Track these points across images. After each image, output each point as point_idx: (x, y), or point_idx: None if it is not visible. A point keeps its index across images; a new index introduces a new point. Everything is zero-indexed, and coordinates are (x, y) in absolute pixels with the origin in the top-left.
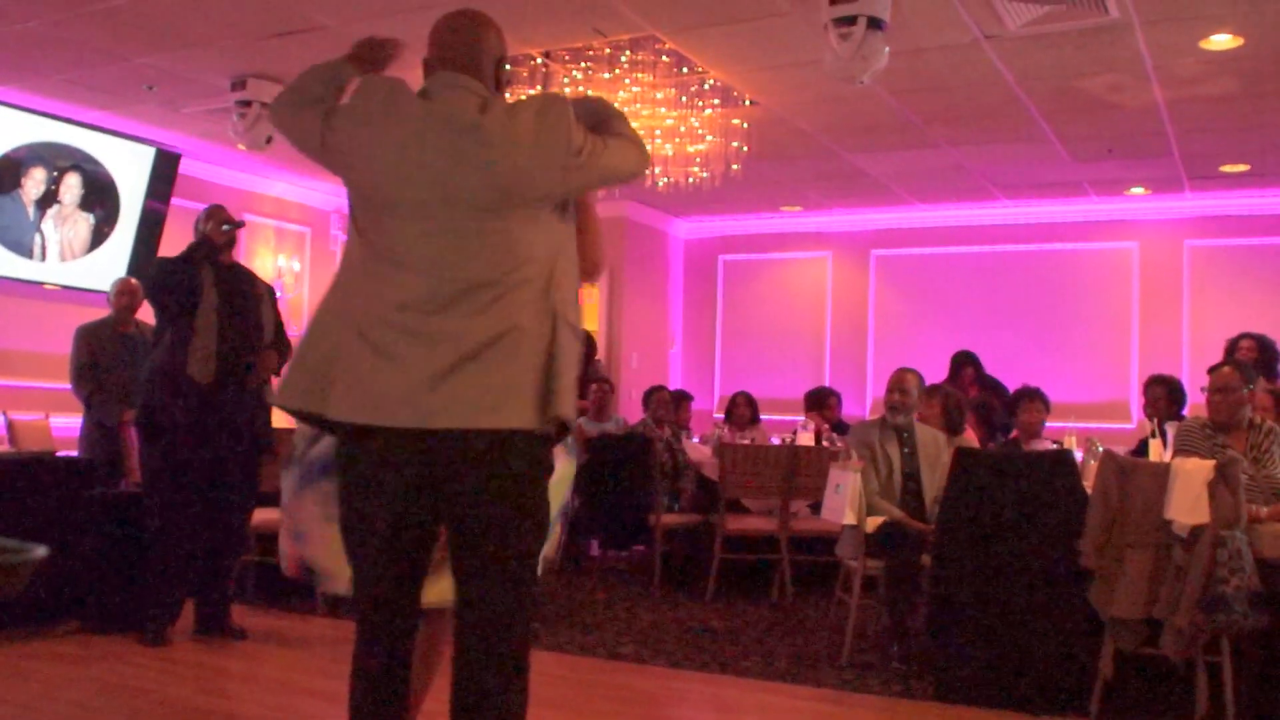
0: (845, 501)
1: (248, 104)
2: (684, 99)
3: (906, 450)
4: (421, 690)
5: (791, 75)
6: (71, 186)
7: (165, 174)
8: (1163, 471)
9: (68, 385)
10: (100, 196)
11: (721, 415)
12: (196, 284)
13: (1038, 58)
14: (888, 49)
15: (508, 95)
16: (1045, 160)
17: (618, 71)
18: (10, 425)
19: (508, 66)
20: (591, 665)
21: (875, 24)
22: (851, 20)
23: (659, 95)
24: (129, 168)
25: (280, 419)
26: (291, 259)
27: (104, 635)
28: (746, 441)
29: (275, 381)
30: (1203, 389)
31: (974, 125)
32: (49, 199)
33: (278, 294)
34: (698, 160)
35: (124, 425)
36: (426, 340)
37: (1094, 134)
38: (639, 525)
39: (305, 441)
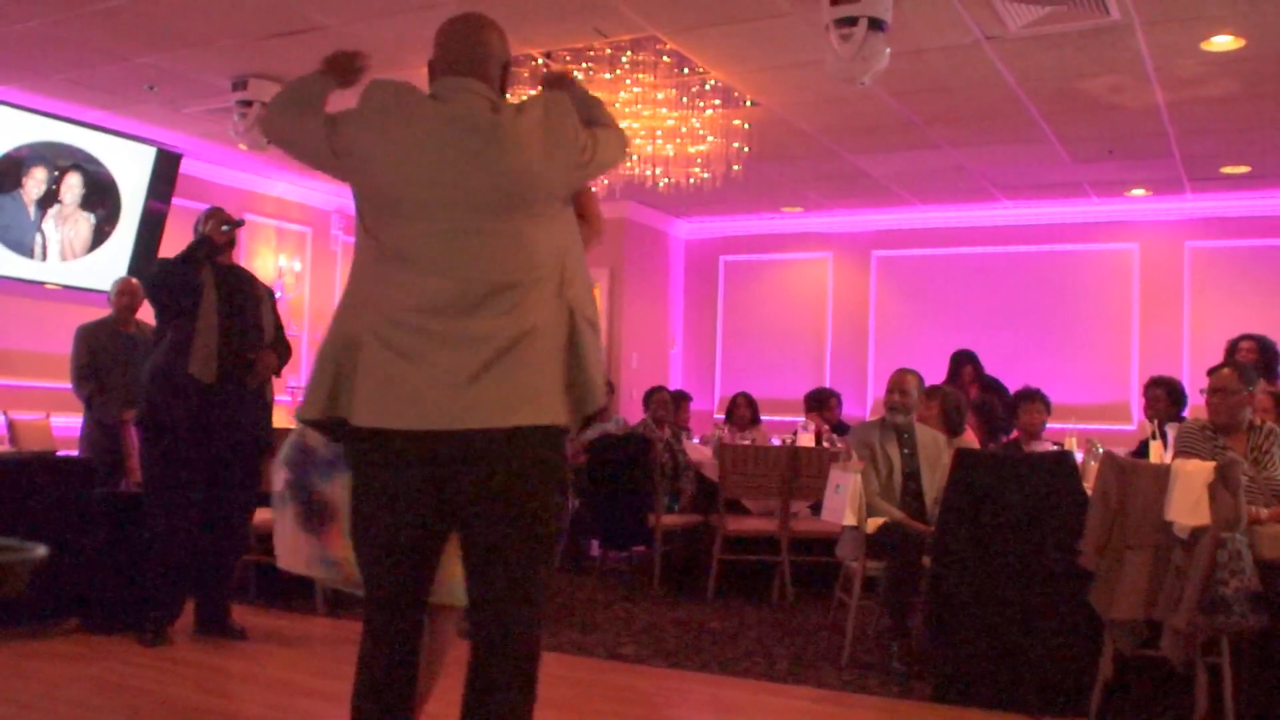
0: (845, 502)
1: (249, 104)
2: (685, 99)
3: (907, 451)
4: (425, 692)
5: (792, 76)
6: (72, 186)
7: (166, 174)
8: (1163, 473)
9: (68, 385)
10: (101, 196)
11: (722, 416)
12: (197, 284)
13: (1038, 59)
14: (889, 50)
15: (507, 96)
16: (1046, 161)
17: (618, 72)
18: (11, 425)
19: (512, 70)
20: (591, 665)
21: (876, 25)
22: (852, 21)
23: (660, 96)
24: (130, 167)
25: (280, 419)
26: (292, 259)
27: (104, 634)
28: (747, 442)
29: (275, 382)
30: (1202, 390)
31: (975, 126)
32: (50, 199)
33: (278, 294)
34: (698, 161)
35: (125, 425)
36: (454, 343)
37: (1095, 135)
38: (639, 526)
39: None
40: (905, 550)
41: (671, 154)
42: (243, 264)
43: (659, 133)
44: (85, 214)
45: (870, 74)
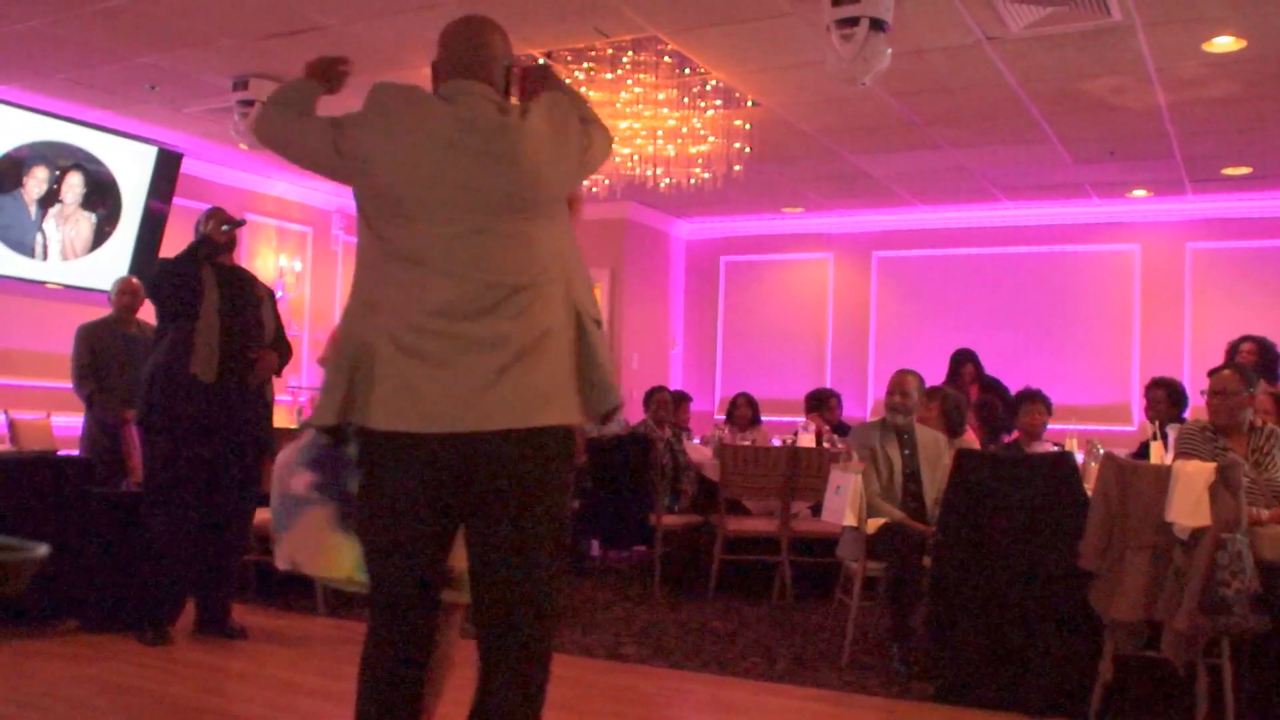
0: (846, 503)
1: (249, 104)
2: (686, 100)
3: (907, 451)
4: (436, 695)
5: (793, 76)
6: (73, 186)
7: (167, 173)
8: (1164, 474)
9: (69, 384)
10: (102, 196)
11: (722, 416)
12: (198, 283)
13: (1040, 59)
14: (890, 50)
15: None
16: (1047, 162)
17: (619, 72)
18: (12, 424)
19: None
20: (592, 666)
21: (877, 25)
22: (854, 21)
23: (661, 96)
24: (131, 167)
25: (281, 419)
26: (293, 259)
27: (105, 634)
28: (747, 443)
29: (275, 382)
30: (1203, 392)
31: (976, 127)
32: (51, 198)
33: (279, 294)
34: (699, 161)
35: (126, 424)
36: (474, 345)
37: (1096, 136)
38: (639, 526)
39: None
40: (905, 551)
41: (672, 154)
42: (243, 264)
43: (660, 133)
44: (86, 213)
45: (871, 74)
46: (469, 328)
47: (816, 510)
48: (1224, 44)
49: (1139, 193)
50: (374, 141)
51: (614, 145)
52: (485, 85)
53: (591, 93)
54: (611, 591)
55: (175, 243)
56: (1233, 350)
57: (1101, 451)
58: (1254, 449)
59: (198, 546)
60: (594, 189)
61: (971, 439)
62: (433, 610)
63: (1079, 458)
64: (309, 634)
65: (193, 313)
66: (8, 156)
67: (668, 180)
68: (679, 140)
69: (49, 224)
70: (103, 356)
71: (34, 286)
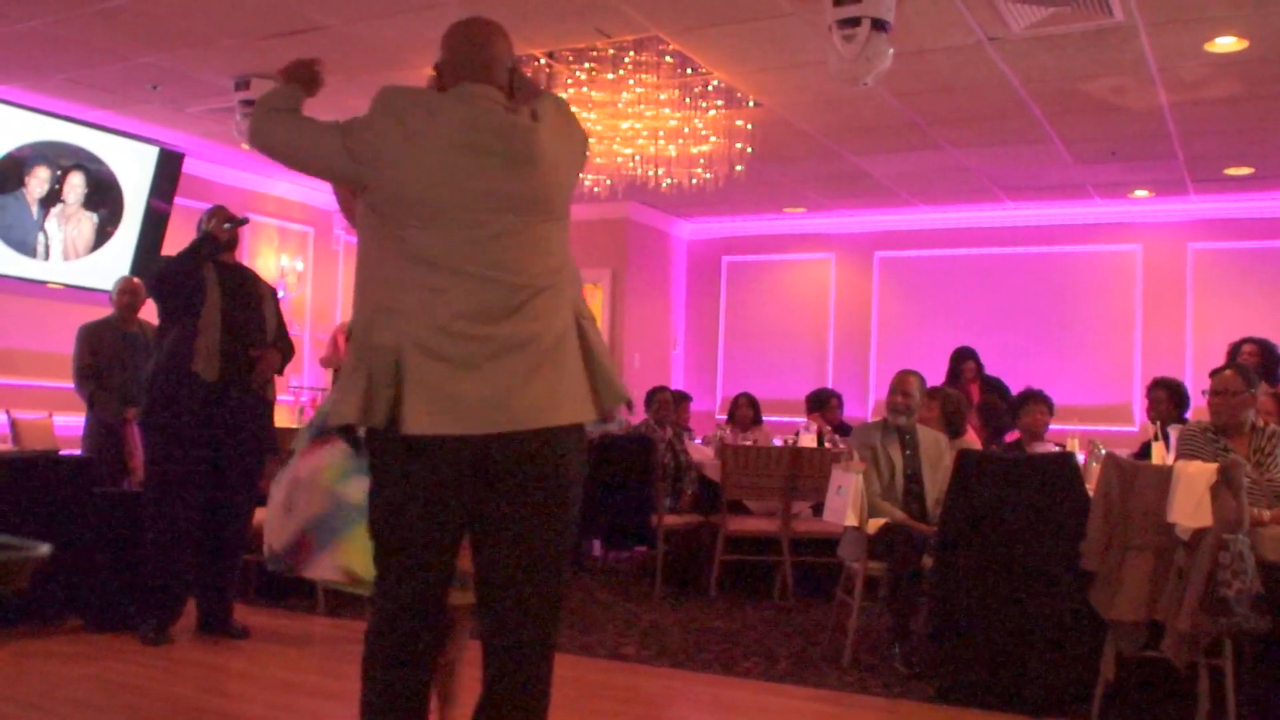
0: (847, 503)
1: (251, 103)
2: (687, 100)
3: (908, 452)
4: (452, 702)
5: (795, 76)
6: (75, 186)
7: (169, 173)
8: (1165, 474)
9: (71, 384)
10: (104, 196)
11: (724, 416)
12: (200, 281)
13: (1041, 60)
14: (891, 50)
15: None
16: (1048, 162)
17: (621, 72)
18: (13, 424)
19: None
20: (593, 665)
21: (879, 25)
22: (855, 22)
23: (662, 96)
24: (132, 167)
25: (282, 419)
26: (294, 259)
27: (106, 633)
28: (749, 443)
29: (277, 381)
30: (1204, 392)
31: (977, 127)
32: (52, 198)
33: (280, 294)
34: (701, 161)
35: (127, 424)
36: (504, 347)
37: (1097, 136)
38: (641, 526)
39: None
40: (906, 551)
41: (674, 154)
42: (245, 264)
43: (661, 133)
44: (88, 213)
45: (873, 75)
46: (497, 330)
47: (818, 510)
48: (1226, 44)
49: (1141, 193)
50: (390, 145)
51: (616, 145)
52: (493, 88)
53: (593, 93)
54: (613, 591)
55: (177, 243)
56: (1234, 352)
57: (1103, 452)
58: (1255, 449)
59: (198, 545)
60: (595, 189)
61: (972, 439)
62: (443, 611)
63: (1080, 458)
64: (310, 634)
65: (195, 311)
66: (9, 156)
67: (669, 180)
68: (680, 140)
69: (50, 224)
70: (104, 356)
71: (36, 286)
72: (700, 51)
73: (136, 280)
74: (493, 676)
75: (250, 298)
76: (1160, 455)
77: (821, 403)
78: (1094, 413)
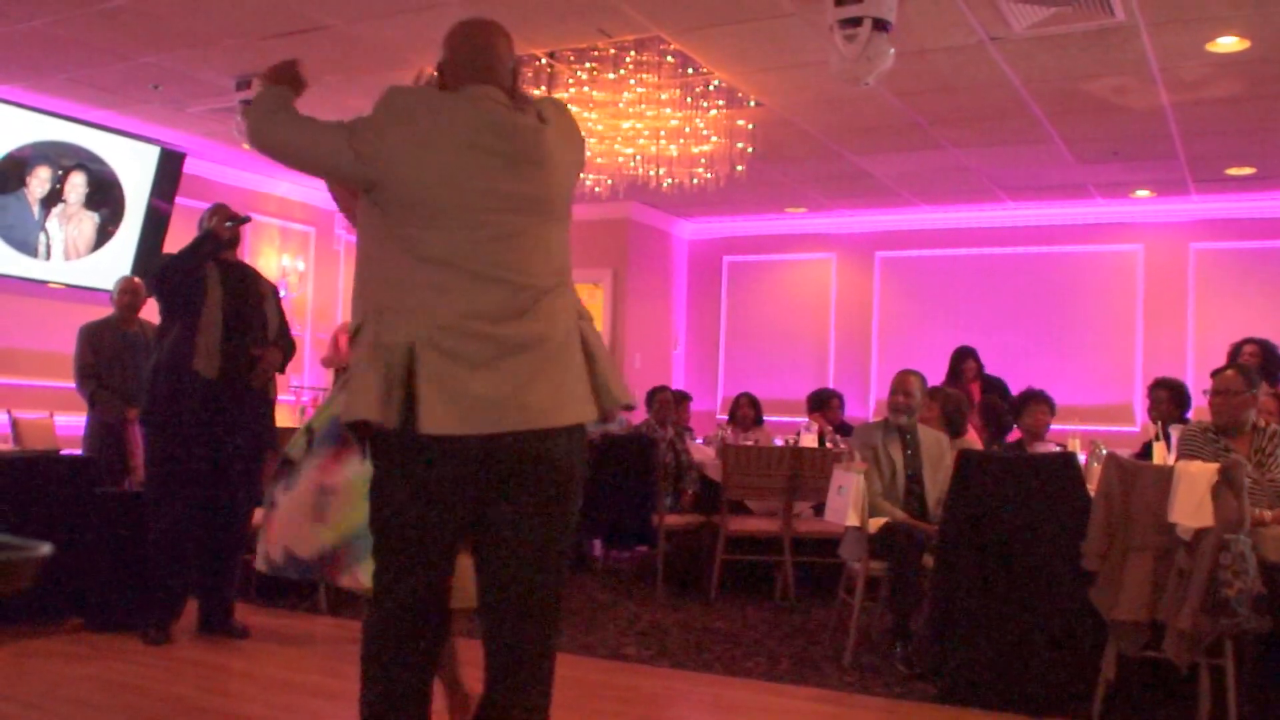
0: (848, 503)
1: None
2: (689, 100)
3: (909, 452)
4: (463, 695)
5: (796, 76)
6: (76, 185)
7: (170, 173)
8: (1166, 475)
9: (72, 384)
10: (105, 195)
11: (725, 416)
12: (202, 279)
13: (1043, 60)
14: (893, 50)
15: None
16: (1050, 162)
17: (622, 72)
18: (14, 424)
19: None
20: (594, 665)
21: (880, 25)
22: (857, 21)
23: (664, 96)
24: (133, 167)
25: (283, 418)
26: (296, 259)
27: (107, 633)
28: (750, 443)
29: (278, 379)
30: (1205, 391)
31: (979, 127)
32: (54, 198)
33: (282, 293)
34: (702, 161)
35: (128, 424)
36: (513, 346)
37: (1099, 136)
38: (642, 526)
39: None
40: (907, 551)
41: (675, 154)
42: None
43: (662, 133)
44: (89, 213)
45: (874, 75)
46: (506, 330)
47: (819, 510)
48: (1228, 44)
49: (1142, 193)
50: (400, 145)
51: (617, 145)
52: (497, 89)
53: (594, 93)
54: (614, 591)
55: (178, 243)
56: (1235, 352)
57: (1104, 452)
58: (1257, 449)
59: (199, 545)
60: (597, 189)
61: (973, 439)
62: (444, 610)
63: (1081, 458)
64: (311, 633)
65: (196, 309)
66: (11, 156)
67: (670, 180)
68: (681, 140)
69: (52, 224)
70: (104, 356)
71: (37, 286)
72: (701, 51)
73: (137, 280)
74: (494, 676)
75: (252, 296)
76: (1161, 455)
77: (822, 403)
78: (1095, 413)
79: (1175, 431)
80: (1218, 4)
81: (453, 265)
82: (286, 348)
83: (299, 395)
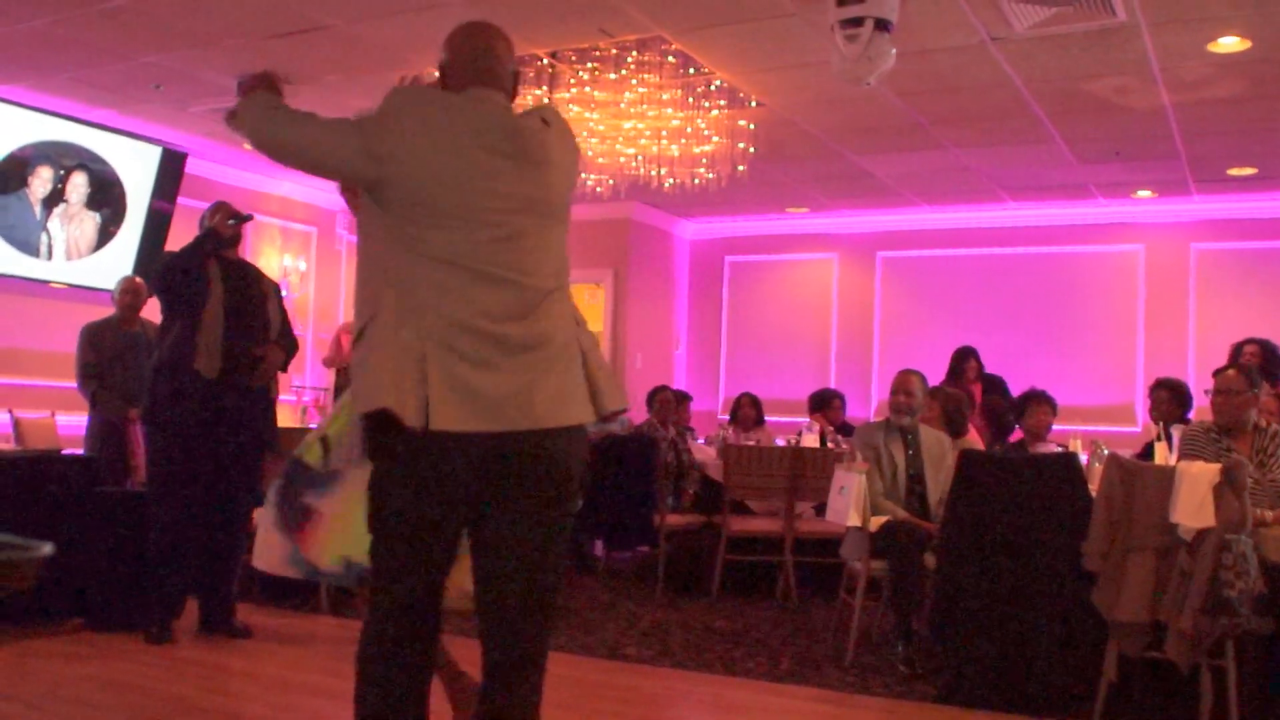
0: (850, 503)
1: None
2: (690, 100)
3: (911, 452)
4: (459, 678)
5: (798, 76)
6: (78, 185)
7: (172, 173)
8: (1168, 475)
9: (73, 384)
10: (106, 195)
11: (726, 416)
12: (203, 277)
13: (1044, 60)
14: (894, 50)
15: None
16: (1051, 162)
17: (624, 72)
18: (16, 423)
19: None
20: (594, 665)
21: (882, 25)
22: (858, 21)
23: (665, 96)
24: (135, 167)
25: (285, 417)
26: (297, 258)
27: (108, 633)
28: (751, 443)
29: (280, 379)
30: (1207, 391)
31: (980, 127)
32: (55, 198)
33: (283, 293)
34: (704, 161)
35: (130, 423)
36: (519, 346)
37: (1100, 136)
38: (643, 526)
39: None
40: (908, 550)
41: (676, 154)
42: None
43: (664, 133)
44: (91, 213)
45: (876, 75)
46: (511, 329)
47: (820, 510)
48: (1229, 44)
49: (1143, 193)
50: (413, 144)
51: (618, 145)
52: (499, 92)
53: (596, 93)
54: (615, 591)
55: (180, 243)
56: (1236, 352)
57: (1105, 452)
58: (1258, 450)
59: (200, 544)
60: (598, 189)
61: (974, 439)
62: (439, 610)
63: (1083, 458)
64: (312, 633)
65: (198, 307)
66: (12, 156)
67: (672, 180)
68: (683, 140)
69: (53, 223)
70: (106, 356)
71: (39, 286)
72: (703, 51)
73: (139, 280)
74: (491, 675)
75: (254, 295)
76: (1163, 456)
77: (824, 403)
78: (1097, 413)
79: (1177, 432)
80: (1219, 4)
81: (457, 265)
82: (288, 347)
83: (300, 395)
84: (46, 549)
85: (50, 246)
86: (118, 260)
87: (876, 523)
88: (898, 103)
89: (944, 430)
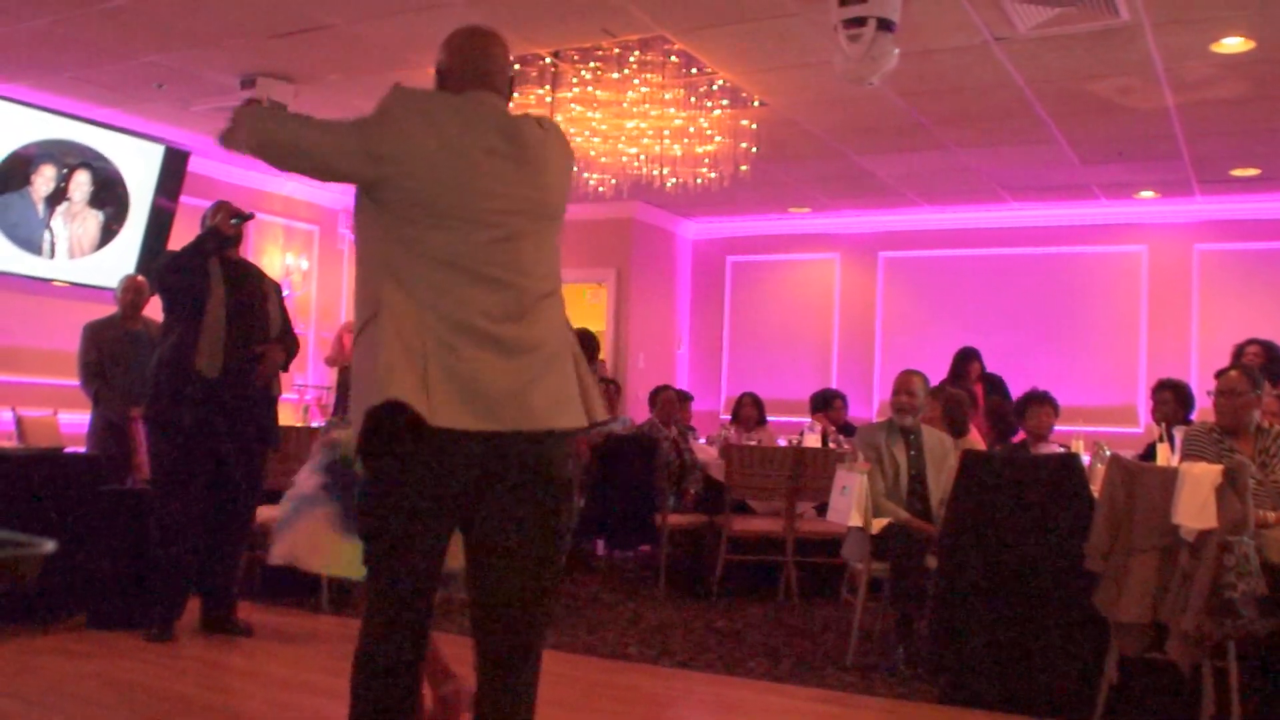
0: (851, 503)
1: (254, 103)
2: (692, 99)
3: (913, 452)
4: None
5: (800, 76)
6: (81, 184)
7: (174, 171)
8: (1170, 476)
9: (76, 382)
10: (109, 194)
11: (728, 416)
12: (205, 276)
13: (1047, 60)
14: (897, 50)
15: None
16: (1054, 163)
17: (626, 72)
18: (19, 421)
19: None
20: (596, 665)
21: (885, 25)
22: (861, 21)
23: (667, 96)
24: (138, 165)
25: (286, 416)
26: (300, 257)
27: (110, 631)
28: (753, 443)
29: (281, 378)
30: (1209, 392)
31: (983, 127)
32: (58, 196)
33: (285, 292)
34: (706, 161)
35: (132, 422)
36: (516, 348)
37: (1103, 137)
38: (645, 525)
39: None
40: (910, 551)
41: (679, 154)
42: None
43: (666, 133)
44: (93, 211)
45: (878, 75)
46: (509, 330)
47: (822, 511)
48: (1232, 45)
49: (1146, 194)
50: (417, 145)
51: (621, 145)
52: (497, 95)
53: (598, 92)
54: (616, 591)
55: (182, 242)
56: (1238, 353)
57: (1108, 453)
58: (1261, 450)
59: (202, 542)
60: (600, 188)
61: (976, 439)
62: (432, 609)
63: (1085, 459)
64: (313, 631)
65: (199, 306)
66: (15, 154)
67: (674, 180)
68: (685, 140)
69: (56, 222)
70: (108, 354)
71: (41, 284)
72: (705, 51)
73: (141, 278)
74: (486, 675)
75: (255, 294)
76: (1165, 457)
77: (826, 403)
78: (1099, 414)
79: (1179, 433)
80: (1222, 5)
81: (456, 265)
82: (290, 346)
83: (303, 394)
84: (48, 547)
85: (53, 245)
86: (120, 259)
87: (878, 524)
88: (900, 103)
89: (946, 430)
